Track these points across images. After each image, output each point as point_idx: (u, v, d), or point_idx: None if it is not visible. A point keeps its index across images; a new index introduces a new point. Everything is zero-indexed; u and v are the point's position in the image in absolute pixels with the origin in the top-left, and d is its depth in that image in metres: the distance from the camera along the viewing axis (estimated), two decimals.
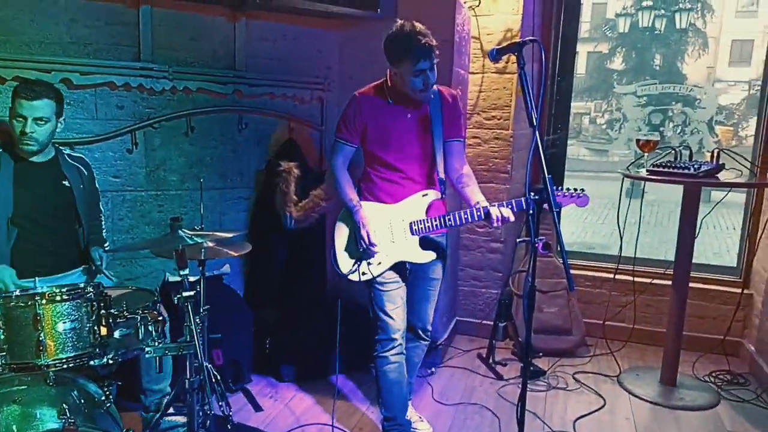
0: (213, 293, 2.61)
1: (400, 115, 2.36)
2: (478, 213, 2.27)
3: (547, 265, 3.59)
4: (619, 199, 3.33)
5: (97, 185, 2.67)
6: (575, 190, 2.24)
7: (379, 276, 2.40)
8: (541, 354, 3.50)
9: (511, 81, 3.55)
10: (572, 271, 2.05)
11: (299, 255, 3.48)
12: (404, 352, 2.49)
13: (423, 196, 2.40)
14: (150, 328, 2.01)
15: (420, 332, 2.63)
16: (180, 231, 2.09)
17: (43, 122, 2.33)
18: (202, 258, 2.38)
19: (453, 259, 3.66)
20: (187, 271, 2.08)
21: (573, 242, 7.63)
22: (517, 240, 3.62)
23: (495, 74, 3.58)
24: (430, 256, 2.40)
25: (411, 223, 2.37)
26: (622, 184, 3.27)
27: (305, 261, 3.50)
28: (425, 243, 2.41)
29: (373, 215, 2.38)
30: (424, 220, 2.36)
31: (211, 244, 2.32)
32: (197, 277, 2.33)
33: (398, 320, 2.43)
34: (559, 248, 2.07)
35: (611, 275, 3.65)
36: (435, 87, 2.37)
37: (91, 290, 1.89)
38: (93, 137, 2.86)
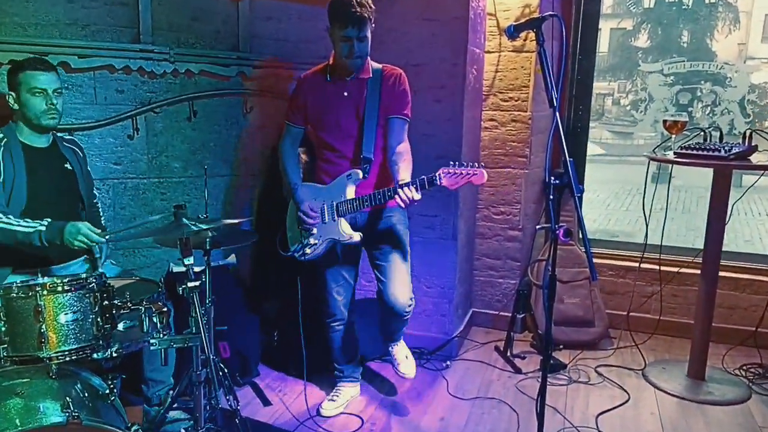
0: (219, 284, 2.55)
1: (338, 93, 2.45)
2: (389, 193, 2.30)
3: (568, 254, 3.49)
4: (645, 184, 3.22)
5: (89, 168, 2.61)
6: (471, 165, 2.15)
7: (316, 257, 2.54)
8: (561, 346, 3.42)
9: (529, 60, 3.40)
10: (595, 260, 1.96)
11: None
12: (346, 319, 2.74)
13: (347, 177, 2.47)
14: (155, 319, 1.96)
15: (398, 313, 2.57)
16: (184, 219, 2.04)
17: (59, 93, 2.34)
18: (207, 247, 2.31)
19: (468, 248, 3.56)
20: (191, 261, 2.03)
21: (595, 230, 7.52)
22: (537, 227, 3.53)
23: (512, 53, 3.43)
24: (358, 235, 2.48)
25: (338, 204, 2.46)
26: (647, 168, 3.17)
27: None
28: (354, 222, 2.52)
29: (309, 196, 2.52)
30: (347, 200, 2.44)
31: (215, 233, 2.25)
32: (202, 267, 2.27)
33: (339, 298, 2.67)
34: (580, 236, 1.96)
35: (636, 264, 3.55)
36: (380, 66, 2.47)
37: (94, 281, 1.85)
38: (93, 123, 2.82)
